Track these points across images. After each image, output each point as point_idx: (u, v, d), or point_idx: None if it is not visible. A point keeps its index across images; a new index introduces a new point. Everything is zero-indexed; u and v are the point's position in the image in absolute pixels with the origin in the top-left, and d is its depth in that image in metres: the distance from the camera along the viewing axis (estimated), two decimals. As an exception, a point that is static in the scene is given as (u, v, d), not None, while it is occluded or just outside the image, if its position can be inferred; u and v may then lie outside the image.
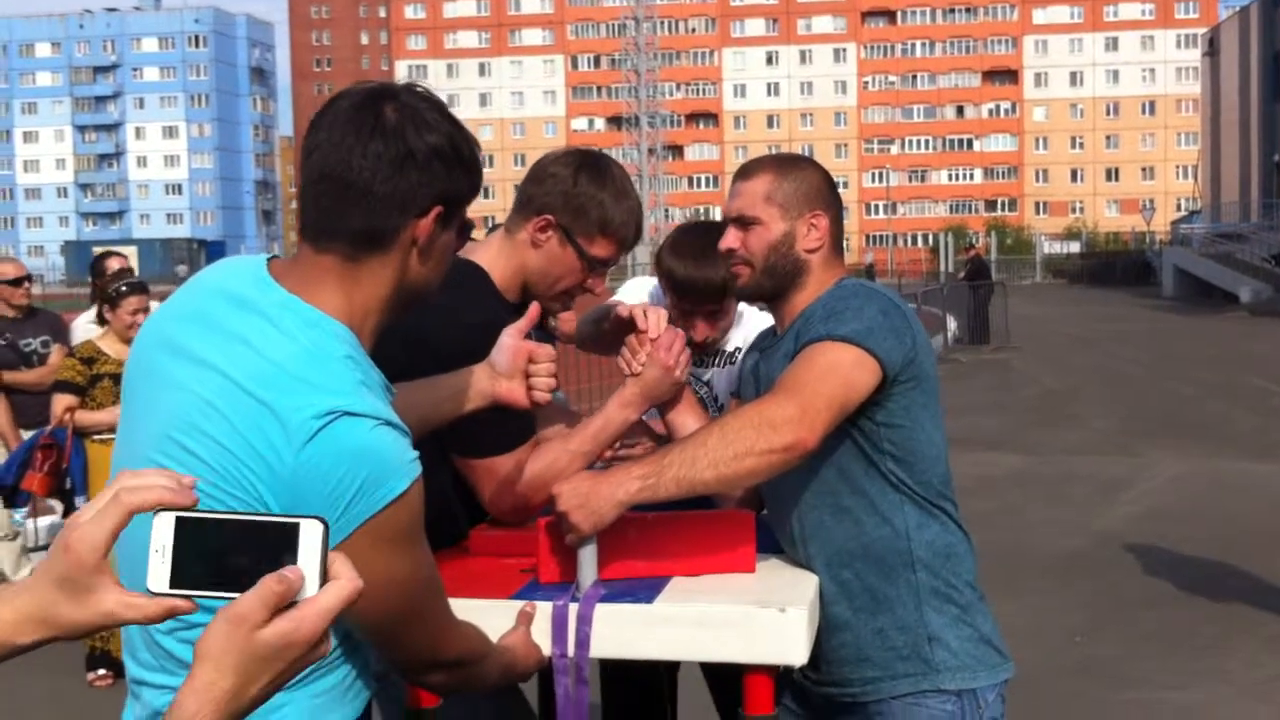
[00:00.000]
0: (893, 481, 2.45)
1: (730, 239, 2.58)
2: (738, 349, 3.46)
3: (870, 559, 2.47)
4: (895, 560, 2.46)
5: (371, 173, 1.66)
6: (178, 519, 1.15)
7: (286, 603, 1.12)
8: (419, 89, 1.76)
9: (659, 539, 2.43)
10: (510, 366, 2.29)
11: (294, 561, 1.13)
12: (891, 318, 2.39)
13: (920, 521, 2.47)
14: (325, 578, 1.14)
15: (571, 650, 2.28)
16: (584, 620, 2.27)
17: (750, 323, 3.43)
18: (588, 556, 2.34)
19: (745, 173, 2.61)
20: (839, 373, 2.32)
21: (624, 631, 2.28)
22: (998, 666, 2.50)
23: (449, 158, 1.72)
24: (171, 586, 1.14)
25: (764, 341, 2.73)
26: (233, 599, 1.12)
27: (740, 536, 2.47)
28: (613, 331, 2.63)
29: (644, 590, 2.34)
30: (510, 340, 2.31)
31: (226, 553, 1.14)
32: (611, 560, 2.38)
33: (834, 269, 2.59)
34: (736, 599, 2.30)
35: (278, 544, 1.14)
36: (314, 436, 1.53)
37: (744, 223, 2.56)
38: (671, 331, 2.55)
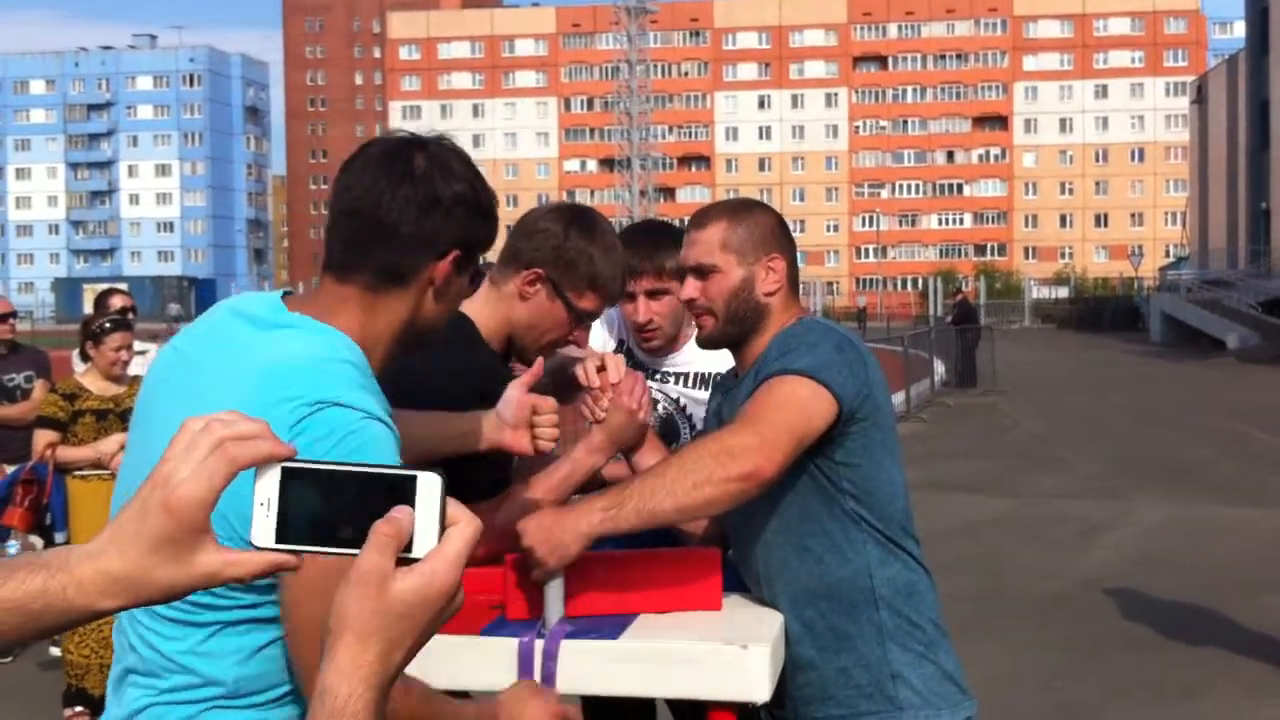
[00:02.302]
0: (854, 520, 2.48)
1: (690, 289, 2.61)
2: (714, 373, 3.40)
3: (833, 597, 2.49)
4: (858, 598, 2.48)
5: (400, 213, 1.79)
6: (284, 470, 1.10)
7: (402, 544, 1.07)
8: (445, 141, 1.90)
9: (626, 576, 2.45)
10: (516, 417, 2.38)
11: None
12: (846, 353, 2.43)
13: (882, 559, 2.49)
14: (444, 529, 1.10)
15: (537, 686, 2.30)
16: (549, 656, 2.29)
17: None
18: (554, 593, 2.36)
19: (698, 222, 2.65)
20: (796, 404, 2.35)
21: (589, 667, 2.30)
22: (960, 704, 2.52)
23: (471, 206, 1.84)
24: (277, 541, 1.10)
25: (726, 383, 2.76)
26: (342, 554, 1.08)
27: (707, 574, 2.49)
28: (574, 381, 2.67)
29: (610, 627, 2.36)
30: (516, 393, 2.40)
31: (336, 507, 1.09)
32: (579, 597, 2.41)
33: (792, 309, 2.62)
34: (701, 636, 2.32)
35: (392, 497, 1.08)
36: (300, 422, 1.58)
37: (702, 272, 2.60)
38: (632, 376, 2.59)
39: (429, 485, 1.09)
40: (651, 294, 3.28)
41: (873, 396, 2.45)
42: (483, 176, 1.91)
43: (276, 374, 1.63)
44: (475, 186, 1.86)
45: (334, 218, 1.84)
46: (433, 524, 1.08)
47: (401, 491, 1.09)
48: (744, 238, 2.58)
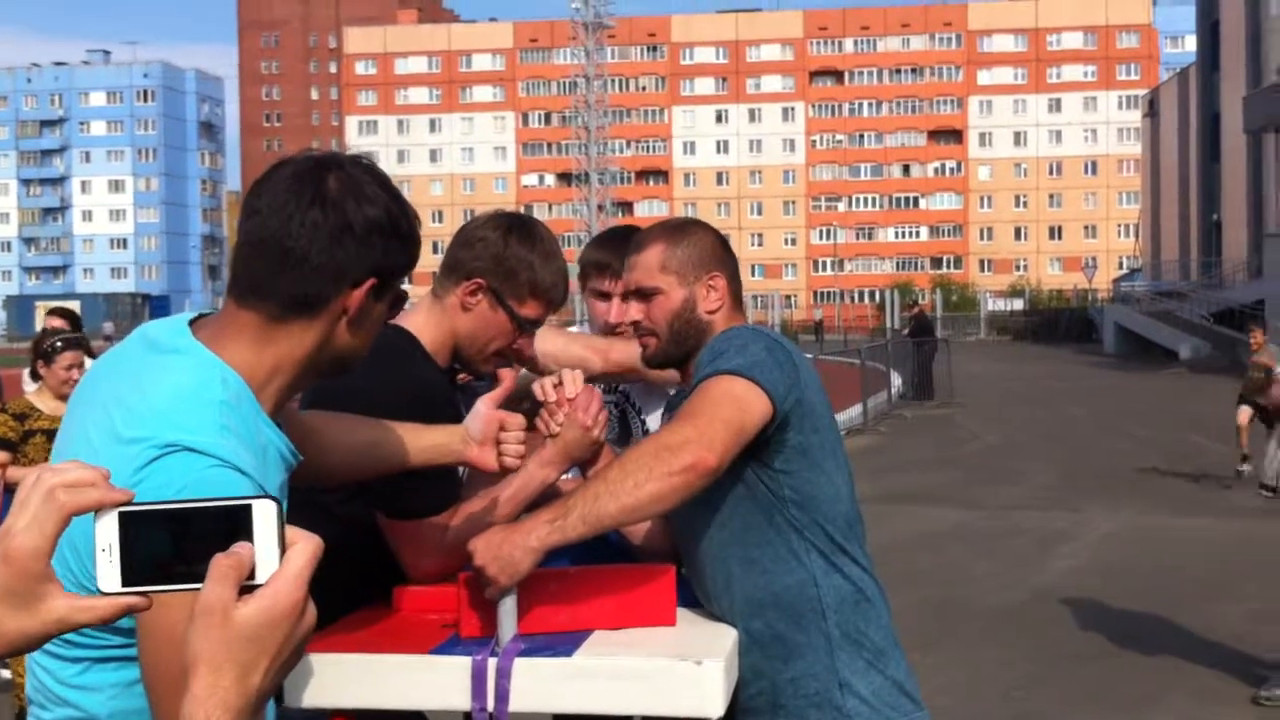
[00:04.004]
0: (796, 528, 2.48)
1: (633, 311, 2.63)
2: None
3: (780, 607, 2.49)
4: (805, 608, 2.48)
5: (309, 241, 1.69)
6: (121, 515, 1.11)
7: (244, 574, 1.10)
8: (364, 160, 1.80)
9: (580, 592, 2.44)
10: (483, 433, 2.36)
11: (249, 542, 1.11)
12: (775, 354, 2.44)
13: (827, 568, 2.49)
14: (285, 551, 1.12)
15: (491, 705, 2.29)
16: (503, 674, 2.28)
17: None
18: (507, 610, 2.35)
19: (637, 245, 2.66)
20: (730, 398, 2.35)
21: (544, 685, 2.29)
22: (911, 714, 2.51)
23: (386, 231, 1.74)
24: (124, 585, 1.11)
25: (675, 401, 2.77)
26: (190, 590, 1.10)
27: (660, 589, 2.48)
28: (533, 406, 2.67)
29: (564, 644, 2.35)
30: (484, 408, 2.37)
31: (178, 543, 1.11)
32: (532, 614, 2.40)
33: (735, 323, 2.63)
34: (655, 652, 2.31)
35: (231, 527, 1.11)
36: (147, 465, 1.54)
37: (643, 294, 2.61)
38: (589, 392, 2.59)
39: (265, 511, 1.11)
40: (622, 295, 3.28)
41: (806, 399, 2.45)
42: (402, 197, 1.81)
43: (136, 411, 1.60)
44: (391, 210, 1.76)
45: (240, 243, 1.75)
46: (272, 548, 1.11)
47: (238, 521, 1.11)
48: (683, 258, 2.60)
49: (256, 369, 1.71)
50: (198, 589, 1.10)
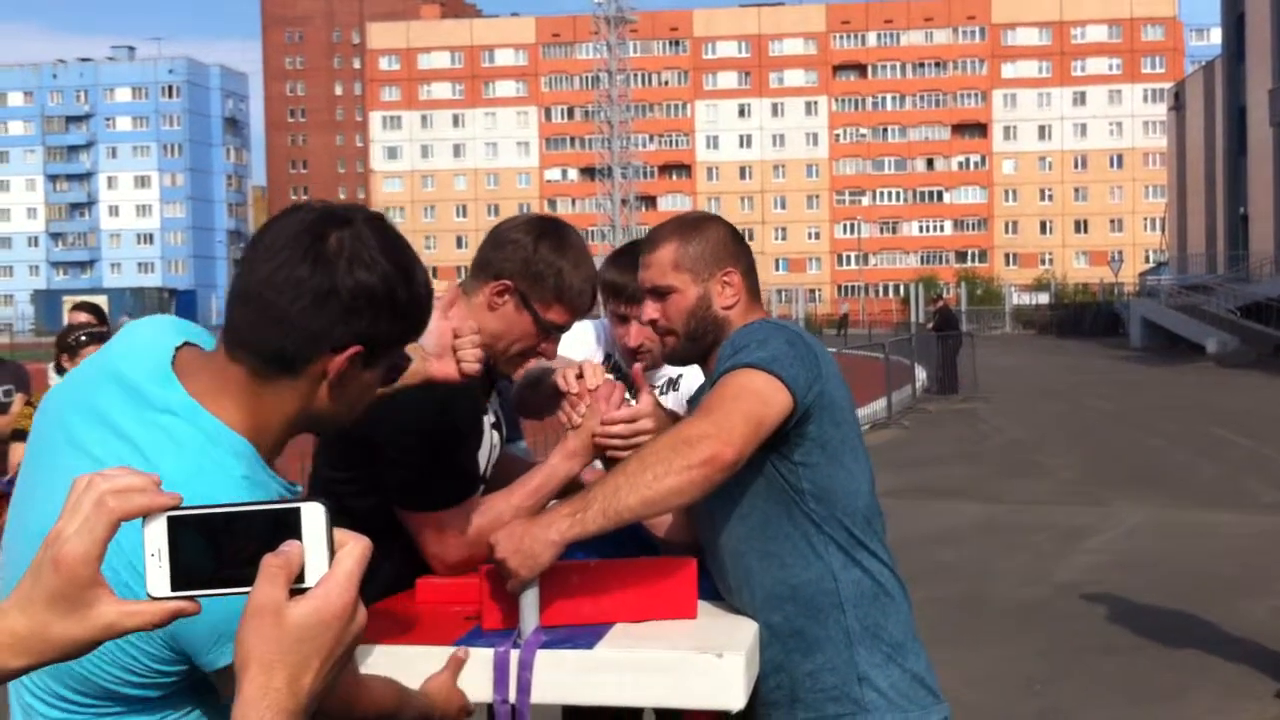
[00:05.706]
0: (815, 522, 2.48)
1: (650, 310, 2.63)
2: (680, 375, 3.51)
3: (799, 601, 2.49)
4: (823, 602, 2.48)
5: (290, 299, 1.62)
6: (170, 520, 1.12)
7: (294, 573, 1.10)
8: (380, 219, 1.71)
9: (602, 585, 2.46)
10: (438, 345, 2.35)
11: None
12: (797, 347, 2.44)
13: (845, 562, 2.50)
14: (334, 554, 1.13)
15: (513, 696, 2.30)
16: (525, 666, 2.29)
17: None
18: (529, 602, 2.37)
19: (650, 243, 2.66)
20: (750, 392, 2.36)
21: (565, 677, 2.30)
22: (930, 707, 2.51)
23: (379, 300, 1.65)
24: (173, 589, 1.12)
25: (700, 394, 2.78)
26: (238, 593, 1.11)
27: (682, 582, 2.49)
28: (553, 391, 2.68)
29: (586, 636, 2.36)
30: (434, 321, 2.32)
31: (227, 548, 1.12)
32: (554, 606, 2.41)
33: (753, 317, 2.63)
34: (676, 644, 2.32)
35: (280, 532, 1.11)
36: None
37: (659, 293, 2.62)
38: (610, 384, 2.60)
39: (313, 515, 1.11)
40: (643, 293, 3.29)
41: (827, 391, 2.45)
42: (410, 266, 1.70)
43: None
44: (389, 278, 1.65)
45: (233, 291, 1.68)
46: (321, 551, 1.11)
47: (288, 524, 1.11)
48: (696, 255, 2.60)
49: (254, 428, 1.65)
50: (246, 592, 1.10)
